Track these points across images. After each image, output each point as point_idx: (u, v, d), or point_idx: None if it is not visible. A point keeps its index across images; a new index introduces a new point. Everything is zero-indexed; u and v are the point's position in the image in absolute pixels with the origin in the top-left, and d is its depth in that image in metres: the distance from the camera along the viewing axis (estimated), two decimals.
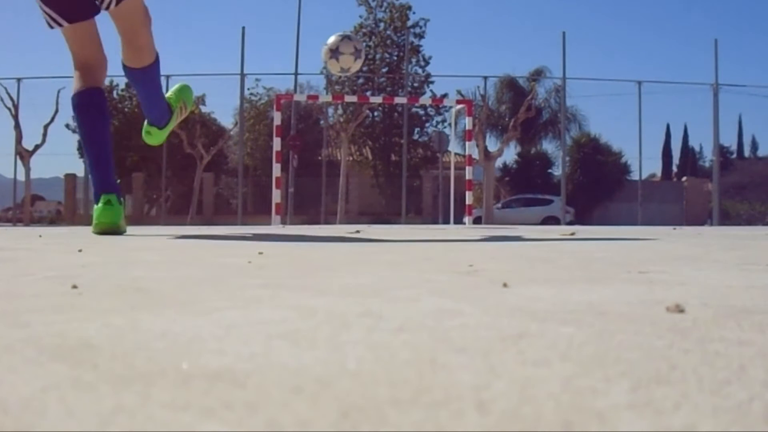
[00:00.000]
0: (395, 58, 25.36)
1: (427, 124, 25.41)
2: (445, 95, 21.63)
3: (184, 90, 4.01)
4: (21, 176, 20.73)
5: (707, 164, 38.58)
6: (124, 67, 3.54)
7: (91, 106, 3.39)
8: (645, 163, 41.06)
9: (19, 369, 0.46)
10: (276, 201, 9.14)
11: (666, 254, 1.87)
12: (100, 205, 3.23)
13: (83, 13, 3.30)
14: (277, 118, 9.49)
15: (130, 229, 3.70)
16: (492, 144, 22.11)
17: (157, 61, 3.62)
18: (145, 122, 3.81)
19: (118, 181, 3.68)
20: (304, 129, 23.26)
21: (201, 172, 21.98)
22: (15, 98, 20.04)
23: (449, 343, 0.55)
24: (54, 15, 3.26)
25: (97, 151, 3.38)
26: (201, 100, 23.62)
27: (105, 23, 3.47)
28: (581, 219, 22.18)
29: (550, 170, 26.07)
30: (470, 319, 0.67)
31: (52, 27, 3.32)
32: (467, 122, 10.21)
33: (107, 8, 3.25)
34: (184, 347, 0.54)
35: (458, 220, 11.17)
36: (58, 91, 19.72)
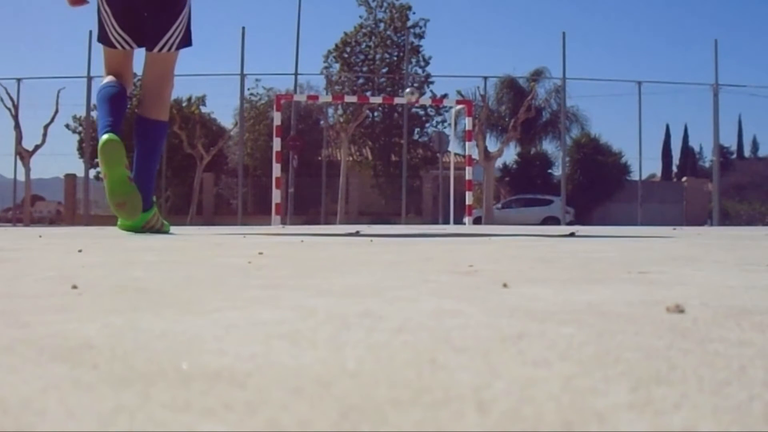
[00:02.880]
0: (395, 58, 25.37)
1: (427, 125, 25.43)
2: (445, 95, 21.65)
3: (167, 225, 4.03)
4: (21, 176, 20.74)
5: (707, 164, 38.57)
6: (139, 119, 3.83)
7: (117, 92, 3.66)
8: (645, 163, 41.06)
9: (19, 369, 0.46)
10: (276, 201, 9.15)
11: (666, 254, 1.87)
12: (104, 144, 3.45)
13: (141, 44, 3.77)
14: (277, 118, 9.49)
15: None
16: (492, 144, 22.14)
17: (166, 127, 3.92)
18: None
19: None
20: (304, 129, 23.25)
21: (201, 172, 21.99)
22: (15, 98, 20.06)
23: (449, 343, 0.55)
24: (127, 38, 3.70)
25: (106, 109, 3.58)
26: (201, 100, 23.64)
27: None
28: (581, 219, 22.18)
29: (550, 170, 26.07)
30: (470, 319, 0.67)
31: (114, 47, 3.73)
32: (467, 122, 10.22)
33: (160, 50, 3.72)
34: (184, 347, 0.53)
35: (458, 221, 11.18)
36: (58, 91, 19.74)
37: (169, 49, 3.75)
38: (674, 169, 41.83)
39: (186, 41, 3.85)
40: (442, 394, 0.40)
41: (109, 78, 3.71)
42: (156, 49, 3.74)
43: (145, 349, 0.53)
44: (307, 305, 0.77)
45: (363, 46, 25.44)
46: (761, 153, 38.68)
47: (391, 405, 0.38)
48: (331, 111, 23.00)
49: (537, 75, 24.55)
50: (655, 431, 0.34)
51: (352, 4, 27.02)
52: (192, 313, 0.72)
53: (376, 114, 24.92)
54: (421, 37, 25.53)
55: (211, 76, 36.04)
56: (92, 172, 21.33)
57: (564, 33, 19.81)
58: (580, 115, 24.92)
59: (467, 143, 10.34)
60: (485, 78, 20.90)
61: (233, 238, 3.10)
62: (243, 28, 19.77)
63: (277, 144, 9.27)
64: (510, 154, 26.84)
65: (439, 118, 24.97)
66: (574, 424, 0.35)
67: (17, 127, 20.06)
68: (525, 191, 24.69)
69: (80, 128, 23.66)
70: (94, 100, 4.35)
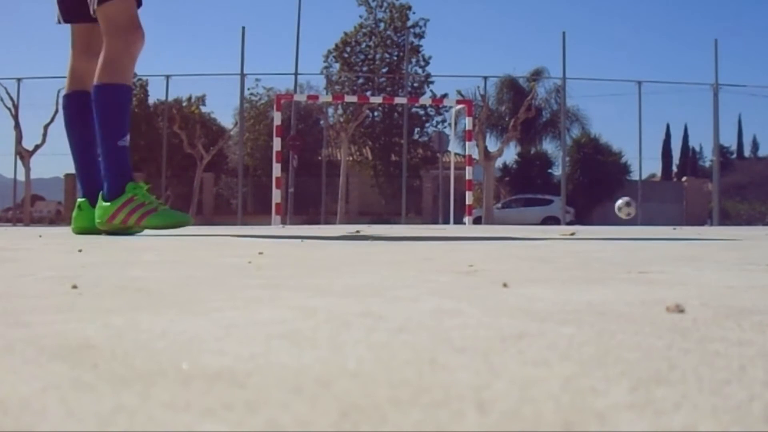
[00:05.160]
0: (395, 58, 25.37)
1: (427, 124, 25.44)
2: (445, 95, 21.66)
3: (164, 215, 3.29)
4: (21, 176, 20.76)
5: (707, 164, 38.59)
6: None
7: (75, 110, 3.45)
8: (645, 163, 41.06)
9: (19, 369, 0.46)
10: (276, 201, 9.15)
11: (666, 254, 1.87)
12: (74, 209, 3.43)
13: (76, 17, 3.41)
14: (277, 118, 9.50)
15: None
16: (492, 144, 22.15)
17: (117, 89, 3.25)
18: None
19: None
20: (304, 129, 23.26)
21: (201, 172, 21.99)
22: (15, 98, 20.08)
23: (449, 343, 0.55)
24: (57, 12, 3.42)
25: (76, 155, 3.44)
26: (201, 100, 23.65)
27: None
28: (581, 219, 22.18)
29: (550, 170, 26.08)
30: (470, 319, 0.67)
31: (58, 22, 3.47)
32: (467, 122, 10.22)
33: (94, 13, 3.29)
34: (184, 347, 0.53)
35: (458, 220, 11.18)
36: (58, 91, 19.69)
37: (92, 5, 3.26)
38: (674, 169, 41.84)
39: None
40: (442, 394, 0.40)
41: (67, 85, 3.41)
42: (92, 12, 3.28)
43: (145, 349, 0.53)
44: (307, 305, 0.77)
45: (363, 46, 25.44)
46: (761, 153, 38.71)
47: (391, 405, 0.38)
48: (331, 111, 23.00)
49: (537, 75, 24.57)
50: (655, 431, 0.34)
51: (352, 4, 27.00)
52: (192, 313, 0.72)
53: (376, 114, 24.92)
54: (421, 37, 25.53)
55: (211, 75, 36.05)
56: None
57: (564, 33, 19.85)
58: (580, 115, 24.95)
59: (467, 143, 10.34)
60: (485, 78, 20.95)
61: (233, 238, 3.09)
62: (243, 27, 19.82)
63: (277, 144, 9.28)
64: (510, 154, 26.89)
65: (439, 118, 24.98)
66: (574, 424, 0.35)
67: (17, 127, 20.08)
68: (525, 191, 24.68)
69: None
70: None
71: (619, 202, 8.74)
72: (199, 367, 0.47)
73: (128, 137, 3.32)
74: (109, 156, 3.27)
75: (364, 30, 25.47)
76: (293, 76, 20.38)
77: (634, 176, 23.23)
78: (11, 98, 20.07)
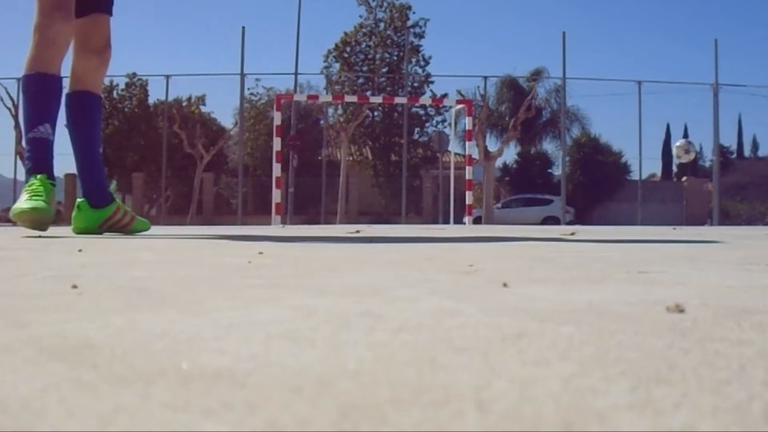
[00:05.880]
0: (395, 58, 25.37)
1: (427, 124, 25.43)
2: (445, 95, 21.66)
3: (23, 203, 3.01)
4: (21, 176, 20.75)
5: (707, 164, 38.57)
6: None
7: (75, 110, 3.42)
8: (645, 163, 41.14)
9: (19, 369, 0.46)
10: (276, 201, 9.15)
11: (666, 254, 1.87)
12: (74, 210, 3.40)
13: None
14: (277, 118, 9.50)
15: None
16: (492, 144, 22.17)
17: (27, 79, 3.09)
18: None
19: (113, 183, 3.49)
20: (304, 129, 23.26)
21: (201, 172, 22.00)
22: (15, 98, 20.08)
23: (449, 343, 0.55)
24: None
25: (77, 154, 3.48)
26: (201, 100, 23.66)
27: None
28: (581, 219, 22.19)
29: (550, 170, 26.09)
30: (470, 319, 0.67)
31: None
32: (467, 122, 10.22)
33: None
34: (184, 347, 0.53)
35: (458, 220, 11.18)
36: None
37: None
38: (674, 169, 41.83)
39: None
40: (442, 394, 0.40)
41: (68, 85, 3.40)
42: None
43: (145, 348, 0.53)
44: (307, 305, 0.77)
45: (363, 45, 25.44)
46: (761, 153, 38.75)
47: (391, 405, 0.38)
48: (331, 111, 23.00)
49: (537, 75, 24.58)
50: (655, 431, 0.34)
51: (352, 4, 27.08)
52: (192, 312, 0.72)
53: (376, 114, 24.92)
54: (421, 36, 25.53)
55: (211, 75, 36.07)
56: None
57: (564, 33, 19.88)
58: (580, 114, 24.98)
59: (467, 143, 10.34)
60: (485, 78, 20.96)
61: (233, 238, 3.09)
62: (243, 27, 19.85)
63: (277, 144, 9.28)
64: (510, 154, 26.92)
65: (439, 118, 24.97)
66: (574, 424, 0.35)
67: (17, 126, 20.09)
68: (525, 191, 24.69)
69: None
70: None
71: (680, 142, 8.47)
72: (198, 367, 0.47)
73: (43, 128, 3.13)
74: (26, 149, 3.17)
75: (364, 30, 25.46)
76: (293, 76, 20.41)
77: (634, 176, 23.26)
78: (11, 98, 20.09)
